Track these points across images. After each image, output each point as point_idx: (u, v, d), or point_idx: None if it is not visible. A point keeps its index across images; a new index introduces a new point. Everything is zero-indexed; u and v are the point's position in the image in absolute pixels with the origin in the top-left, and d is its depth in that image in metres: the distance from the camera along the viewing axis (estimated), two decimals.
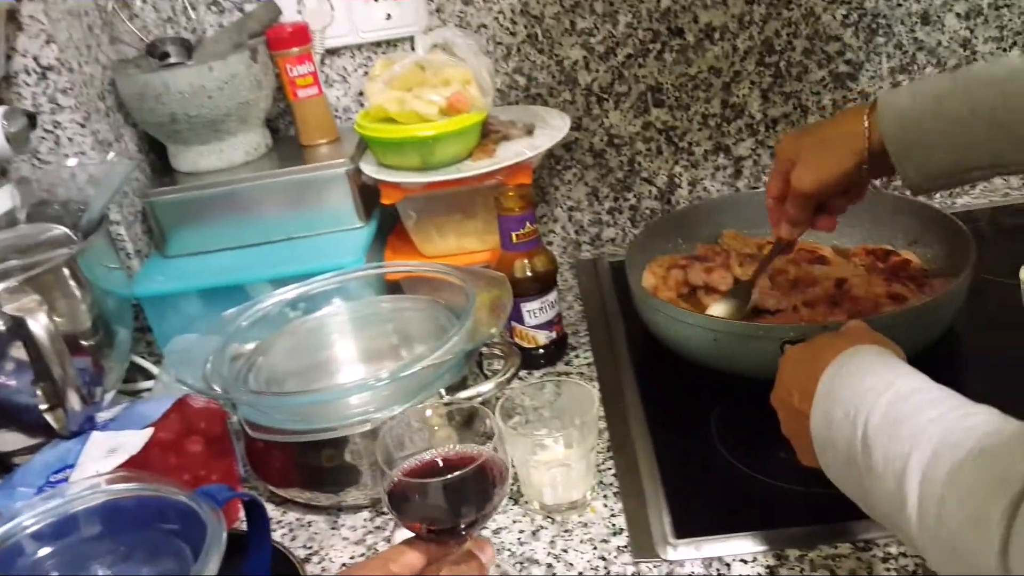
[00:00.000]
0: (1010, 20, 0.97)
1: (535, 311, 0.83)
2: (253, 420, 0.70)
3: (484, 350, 0.79)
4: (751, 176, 1.05)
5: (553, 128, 0.92)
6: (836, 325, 0.58)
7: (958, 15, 0.96)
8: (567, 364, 0.85)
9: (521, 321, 0.83)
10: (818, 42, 0.97)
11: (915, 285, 0.81)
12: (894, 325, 0.68)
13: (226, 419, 0.73)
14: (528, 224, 0.81)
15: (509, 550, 0.62)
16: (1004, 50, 0.99)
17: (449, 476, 0.48)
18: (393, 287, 0.85)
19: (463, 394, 0.67)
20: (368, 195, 0.93)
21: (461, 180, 0.86)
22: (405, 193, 0.89)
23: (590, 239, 1.09)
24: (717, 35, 0.97)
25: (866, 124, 0.63)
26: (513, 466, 0.64)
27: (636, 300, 0.84)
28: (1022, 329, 0.76)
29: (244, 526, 0.51)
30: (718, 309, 0.79)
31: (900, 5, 0.96)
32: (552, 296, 0.84)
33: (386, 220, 0.97)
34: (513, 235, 0.81)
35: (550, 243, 1.07)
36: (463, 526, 0.49)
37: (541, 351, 0.84)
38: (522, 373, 0.81)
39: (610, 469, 0.69)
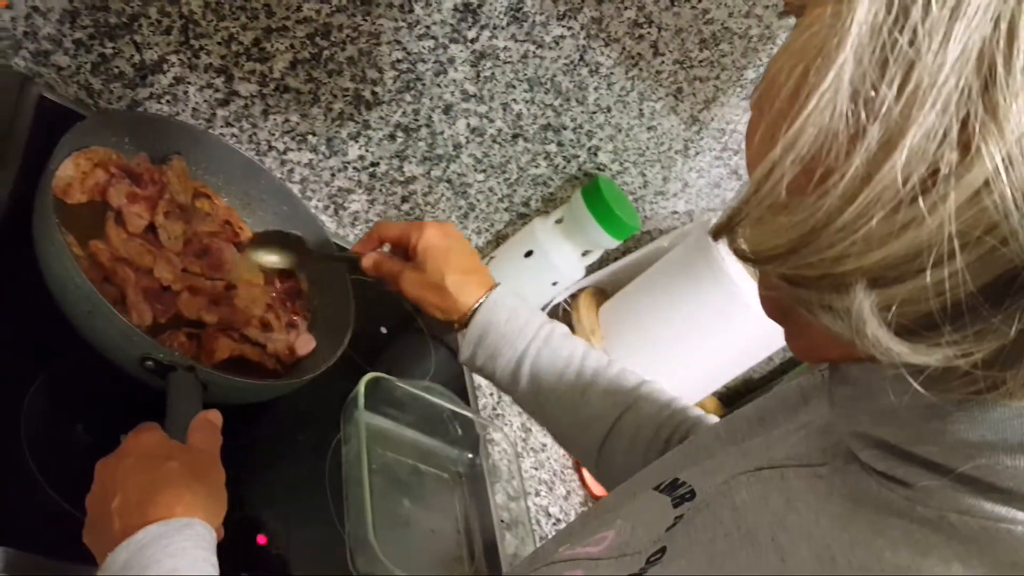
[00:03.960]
0: (494, 153, 1.20)
1: None
2: None
3: None
4: (231, 118, 1.07)
5: None
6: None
7: (467, 125, 1.14)
8: None
9: None
10: (364, 61, 1.04)
11: (288, 323, 0.94)
12: (233, 386, 0.79)
13: None
14: None
15: None
16: (477, 171, 1.21)
17: None
18: None
19: None
20: None
21: None
22: None
23: (35, 53, 0.95)
24: None
25: (480, 297, 0.78)
26: None
27: (38, 202, 0.77)
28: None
29: None
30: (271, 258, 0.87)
31: (439, 87, 1.08)
32: None
33: None
34: None
35: None
36: None
37: None
38: None
39: None
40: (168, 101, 1.04)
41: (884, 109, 0.29)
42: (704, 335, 1.23)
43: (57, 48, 0.95)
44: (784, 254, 0.32)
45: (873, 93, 0.29)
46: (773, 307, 0.40)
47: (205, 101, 1.04)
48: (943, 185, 0.28)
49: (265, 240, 0.90)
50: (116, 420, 0.64)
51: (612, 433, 0.74)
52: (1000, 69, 0.27)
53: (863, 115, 0.29)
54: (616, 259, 1.37)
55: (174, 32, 0.97)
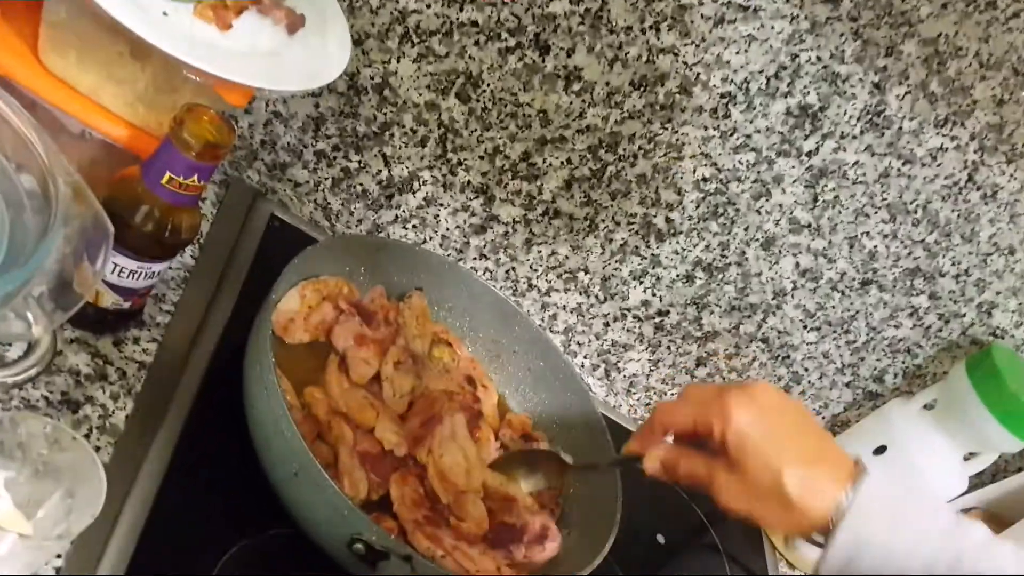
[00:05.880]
0: (833, 305, 1.13)
1: (126, 272, 0.73)
2: None
3: None
4: (486, 248, 1.07)
5: (324, 57, 0.81)
6: None
7: (796, 265, 1.08)
8: (116, 345, 0.78)
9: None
10: (659, 179, 1.00)
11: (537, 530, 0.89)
12: None
13: None
14: (198, 178, 0.71)
15: None
16: (807, 329, 1.13)
17: None
18: None
19: None
20: None
21: (156, 45, 0.73)
22: None
23: (271, 166, 1.02)
24: (577, 87, 0.93)
25: (843, 499, 0.65)
26: None
27: (253, 337, 0.80)
28: None
29: None
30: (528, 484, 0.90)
31: (758, 213, 1.02)
32: (161, 267, 0.76)
33: None
34: (168, 175, 0.69)
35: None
36: None
37: (92, 313, 0.76)
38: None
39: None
40: (415, 226, 1.06)
41: None
42: None
43: (296, 160, 1.01)
44: None
45: None
46: None
47: (458, 227, 1.06)
48: None
49: (509, 461, 0.92)
50: None
51: None
52: None
53: None
54: (1020, 470, 1.24)
55: (430, 144, 0.99)
